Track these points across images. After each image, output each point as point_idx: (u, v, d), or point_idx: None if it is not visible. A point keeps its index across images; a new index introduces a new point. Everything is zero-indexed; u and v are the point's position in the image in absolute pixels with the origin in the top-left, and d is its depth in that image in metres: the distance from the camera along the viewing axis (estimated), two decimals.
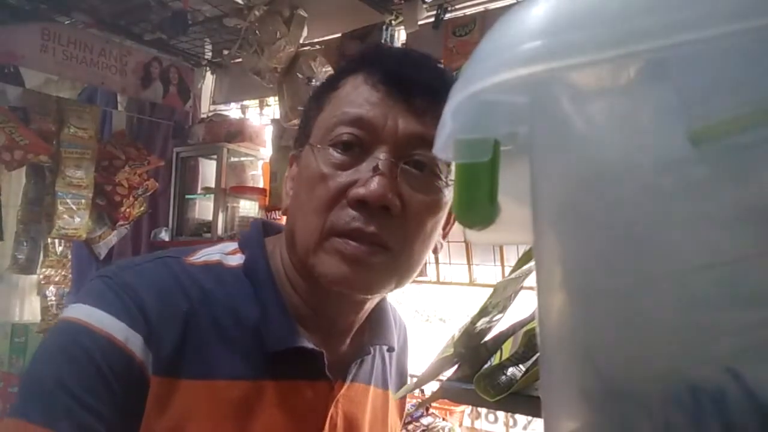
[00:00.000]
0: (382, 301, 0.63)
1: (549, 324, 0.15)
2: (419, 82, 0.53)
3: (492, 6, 1.69)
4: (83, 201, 2.06)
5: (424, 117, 0.52)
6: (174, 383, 0.49)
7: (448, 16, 1.73)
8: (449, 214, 0.57)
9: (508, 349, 0.53)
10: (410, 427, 1.63)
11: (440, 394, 0.63)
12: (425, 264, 2.23)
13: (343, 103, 0.53)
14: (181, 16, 1.92)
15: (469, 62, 0.15)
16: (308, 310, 0.56)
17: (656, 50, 0.11)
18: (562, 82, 0.12)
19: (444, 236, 0.60)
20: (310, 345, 0.54)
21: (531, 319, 0.54)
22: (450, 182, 0.54)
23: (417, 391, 1.73)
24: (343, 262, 0.51)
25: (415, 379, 0.70)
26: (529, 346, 0.52)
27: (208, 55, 2.37)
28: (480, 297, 0.84)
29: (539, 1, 0.13)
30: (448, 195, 0.55)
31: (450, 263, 1.93)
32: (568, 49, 0.12)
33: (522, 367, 0.53)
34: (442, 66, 0.58)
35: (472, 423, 1.92)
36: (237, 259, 0.57)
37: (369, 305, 0.59)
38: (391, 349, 0.67)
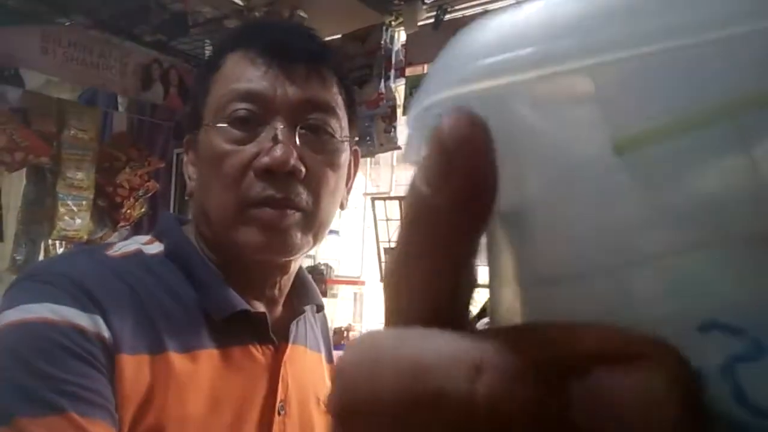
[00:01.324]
0: (300, 267, 0.66)
1: (498, 317, 0.16)
2: (296, 50, 0.56)
3: (492, 7, 1.68)
4: (84, 202, 2.06)
5: (309, 82, 0.55)
6: (131, 360, 0.49)
7: (447, 17, 1.73)
8: (349, 170, 0.62)
9: None
10: None
11: None
12: None
13: (228, 81, 0.55)
14: (182, 17, 1.93)
15: (427, 74, 0.16)
16: (236, 283, 0.57)
17: (579, 70, 0.13)
18: (507, 96, 0.14)
19: (348, 192, 0.64)
20: (253, 308, 0.57)
21: None
22: (345, 139, 0.58)
23: None
24: (262, 230, 0.53)
25: None
26: None
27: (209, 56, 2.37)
28: (481, 298, 0.84)
29: (491, 19, 0.15)
30: (345, 152, 0.58)
31: None
32: (505, 66, 0.14)
33: None
34: (313, 31, 0.62)
35: None
36: (156, 248, 0.58)
37: (293, 267, 0.61)
38: (320, 308, 0.70)
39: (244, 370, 0.55)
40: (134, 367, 0.49)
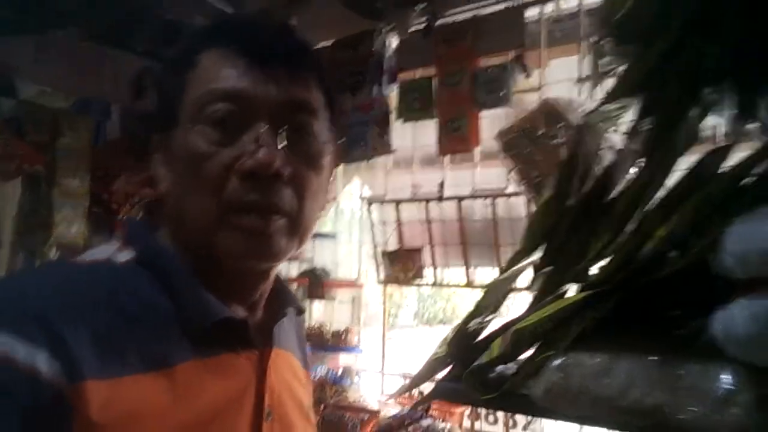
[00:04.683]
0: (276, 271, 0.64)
1: None
2: (276, 49, 0.54)
3: (482, 12, 1.70)
4: (80, 210, 2.06)
5: (291, 82, 0.54)
6: (101, 385, 0.45)
7: (438, 23, 1.74)
8: (330, 172, 0.60)
9: (497, 348, 0.55)
10: (410, 428, 1.64)
11: (434, 395, 0.64)
12: (422, 266, 2.21)
13: (207, 81, 0.53)
14: (174, 27, 1.94)
15: None
16: (216, 289, 0.54)
17: None
18: None
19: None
20: (235, 315, 0.55)
21: (521, 318, 0.56)
22: (327, 140, 0.57)
23: (416, 392, 1.74)
24: (245, 237, 0.52)
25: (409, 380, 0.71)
26: (516, 346, 0.53)
27: None
28: (477, 298, 0.85)
29: None
30: (328, 154, 0.58)
31: (448, 265, 1.94)
32: None
33: (512, 366, 0.55)
34: (292, 28, 0.60)
35: (472, 424, 1.92)
36: (127, 255, 0.55)
37: (273, 272, 0.60)
38: (300, 312, 0.69)
39: (229, 379, 0.53)
40: (107, 391, 0.45)
